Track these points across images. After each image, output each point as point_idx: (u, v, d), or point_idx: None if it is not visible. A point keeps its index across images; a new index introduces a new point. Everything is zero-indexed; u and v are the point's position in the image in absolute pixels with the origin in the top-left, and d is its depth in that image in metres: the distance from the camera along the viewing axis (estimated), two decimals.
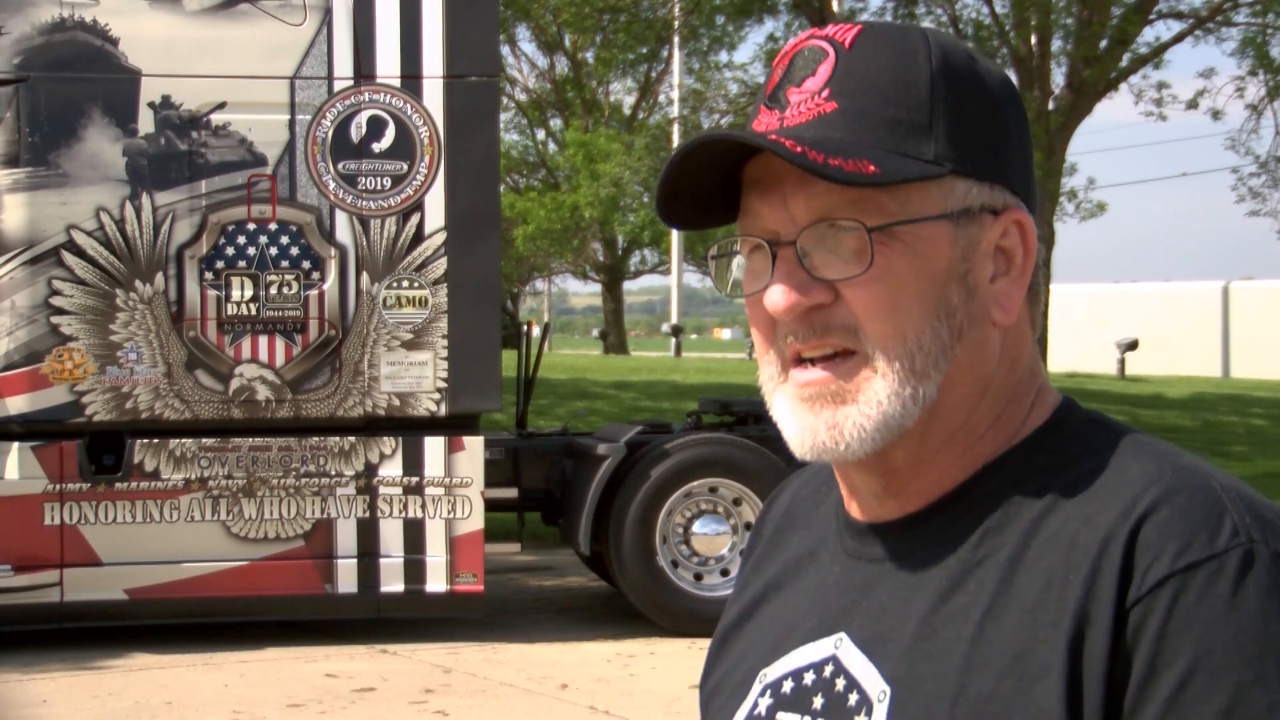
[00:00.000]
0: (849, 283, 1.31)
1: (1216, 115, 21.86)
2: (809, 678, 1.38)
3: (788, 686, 1.39)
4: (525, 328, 11.22)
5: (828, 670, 1.37)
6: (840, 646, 1.37)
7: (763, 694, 1.42)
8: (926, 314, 1.32)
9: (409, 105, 9.15)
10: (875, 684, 1.32)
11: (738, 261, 1.40)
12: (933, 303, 1.32)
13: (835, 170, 1.27)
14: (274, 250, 9.03)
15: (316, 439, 9.07)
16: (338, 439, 9.10)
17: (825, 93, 1.33)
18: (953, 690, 1.27)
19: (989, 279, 1.35)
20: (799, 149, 1.28)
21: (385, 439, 9.13)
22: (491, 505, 9.56)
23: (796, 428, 1.34)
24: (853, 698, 1.33)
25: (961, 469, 1.36)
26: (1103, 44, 19.61)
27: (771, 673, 1.42)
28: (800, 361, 1.34)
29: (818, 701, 1.36)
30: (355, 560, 9.10)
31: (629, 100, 40.87)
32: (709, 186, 1.37)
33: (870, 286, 1.31)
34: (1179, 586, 1.21)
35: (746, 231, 1.36)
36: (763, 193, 1.34)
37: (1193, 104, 21.70)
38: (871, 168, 1.28)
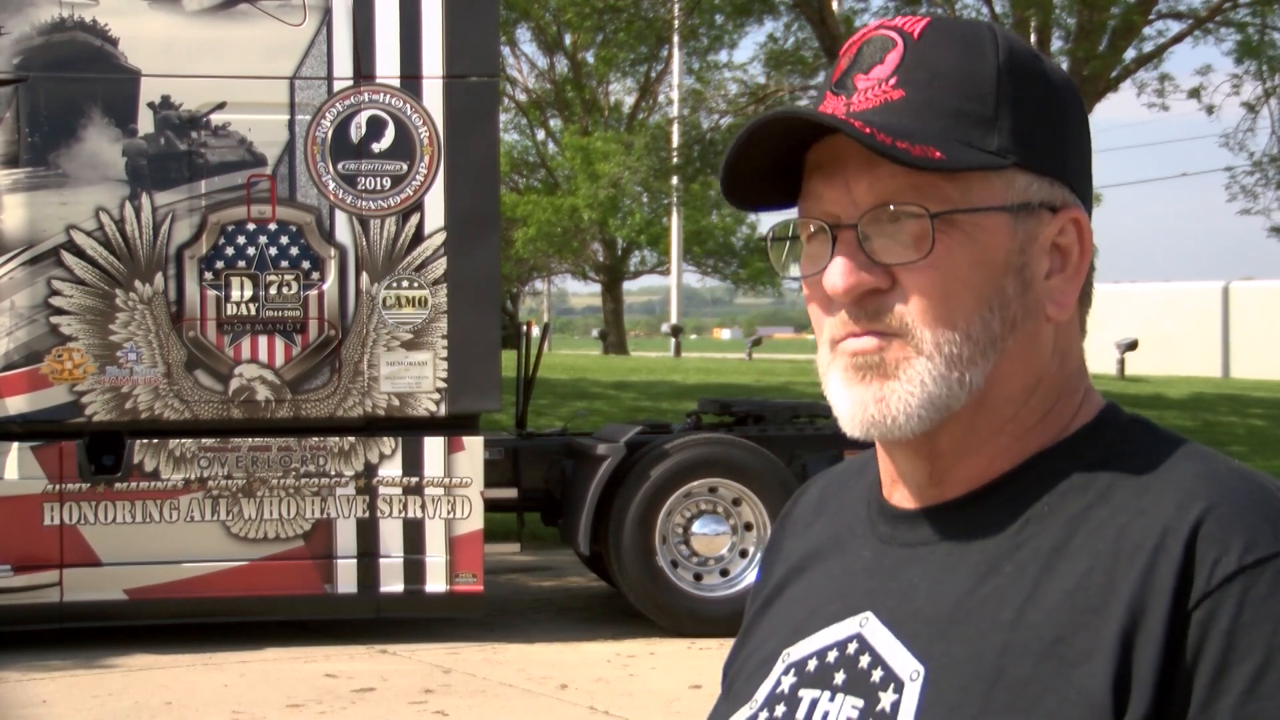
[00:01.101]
0: (907, 268, 1.32)
1: (1211, 110, 21.84)
2: (832, 655, 1.39)
3: (812, 665, 1.40)
4: (525, 328, 11.21)
5: (851, 647, 1.37)
6: (866, 625, 1.37)
7: (786, 672, 1.42)
8: (979, 304, 1.33)
9: (409, 105, 9.15)
10: (905, 663, 1.32)
11: (791, 246, 1.41)
12: (987, 293, 1.33)
13: (903, 153, 1.29)
14: (274, 250, 9.03)
15: (316, 439, 9.07)
16: (337, 439, 9.10)
17: (893, 80, 1.35)
18: (991, 672, 1.28)
19: (1044, 275, 1.37)
20: (868, 130, 1.29)
21: (385, 439, 9.13)
22: (491, 505, 9.56)
23: (848, 401, 1.35)
24: (877, 674, 1.34)
25: (1007, 460, 1.37)
26: (1104, 43, 19.60)
27: (795, 652, 1.43)
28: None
29: (839, 677, 1.37)
30: (355, 560, 9.10)
31: (629, 100, 40.91)
32: (769, 168, 1.38)
33: (927, 273, 1.32)
34: (1248, 582, 1.23)
35: (808, 214, 1.37)
36: (826, 176, 1.35)
37: (1195, 93, 21.68)
38: (938, 153, 1.30)
